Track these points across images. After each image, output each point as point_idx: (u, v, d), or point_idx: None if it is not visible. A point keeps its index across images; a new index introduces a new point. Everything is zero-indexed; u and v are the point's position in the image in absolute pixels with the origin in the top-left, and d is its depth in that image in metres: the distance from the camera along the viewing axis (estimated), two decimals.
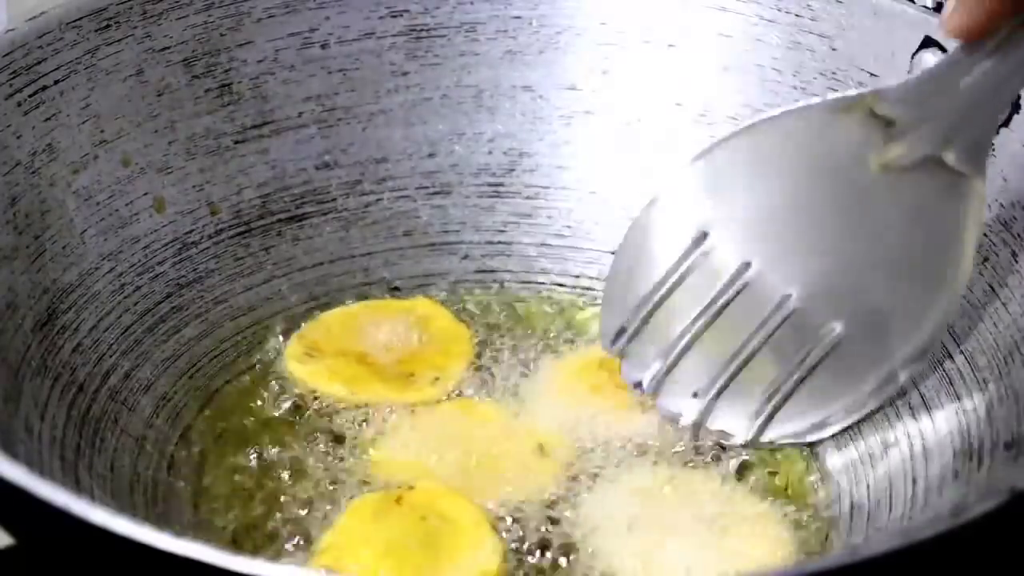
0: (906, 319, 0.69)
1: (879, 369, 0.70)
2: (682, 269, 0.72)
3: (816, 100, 0.69)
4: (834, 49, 0.77)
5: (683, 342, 0.72)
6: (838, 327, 0.70)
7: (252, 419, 0.72)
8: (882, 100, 0.67)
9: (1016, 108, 0.70)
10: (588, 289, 0.80)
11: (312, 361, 0.74)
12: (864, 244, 0.69)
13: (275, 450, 0.70)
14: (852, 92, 0.68)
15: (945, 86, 0.65)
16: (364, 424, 0.71)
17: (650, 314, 0.72)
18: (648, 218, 0.73)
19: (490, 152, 0.81)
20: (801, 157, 0.69)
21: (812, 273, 0.70)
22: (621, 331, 0.73)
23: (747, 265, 0.71)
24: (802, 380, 0.71)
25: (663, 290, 0.72)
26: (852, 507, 0.68)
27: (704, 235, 0.72)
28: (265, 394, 0.73)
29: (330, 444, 0.70)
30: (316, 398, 0.73)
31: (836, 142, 0.68)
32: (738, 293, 0.71)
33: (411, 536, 0.65)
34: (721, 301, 0.72)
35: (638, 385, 0.73)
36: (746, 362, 0.71)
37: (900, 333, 0.69)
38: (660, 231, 0.72)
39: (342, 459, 0.70)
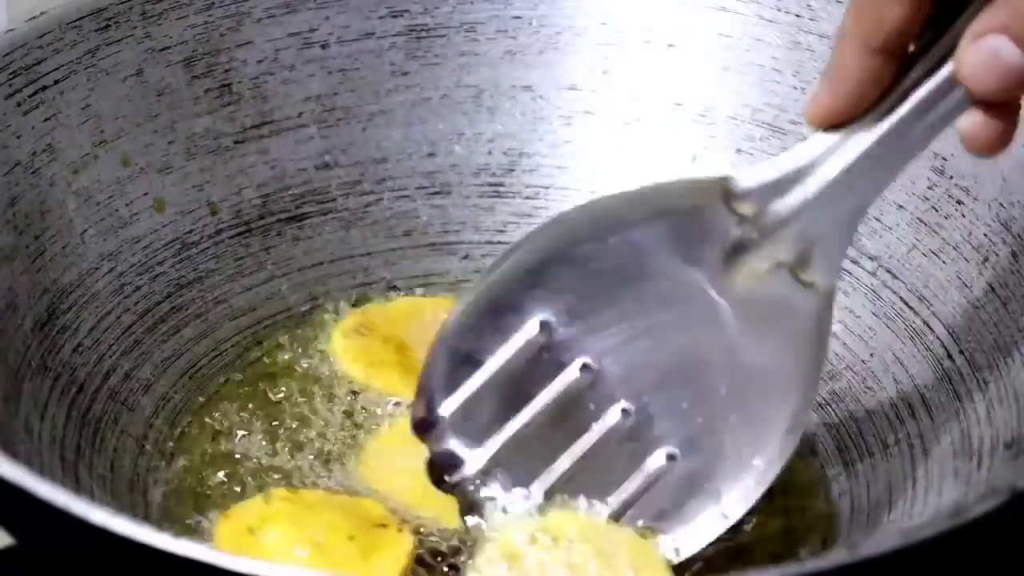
0: (740, 450, 0.64)
1: (706, 502, 0.65)
2: (511, 361, 0.65)
3: (671, 181, 0.67)
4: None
5: (502, 442, 0.65)
6: (672, 451, 0.65)
7: (252, 419, 0.72)
8: (735, 195, 0.63)
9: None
10: None
11: (356, 337, 0.74)
12: (707, 360, 0.64)
13: (275, 450, 0.70)
14: (706, 178, 0.64)
15: (798, 186, 0.62)
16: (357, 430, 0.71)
17: (472, 405, 0.65)
18: (479, 299, 0.66)
19: (490, 152, 0.81)
20: (650, 252, 0.64)
21: (650, 386, 0.65)
22: (433, 419, 0.65)
23: (583, 366, 0.65)
24: (629, 505, 0.65)
25: (486, 379, 0.65)
26: (852, 507, 0.68)
27: (541, 324, 0.65)
28: (266, 395, 0.73)
29: (328, 449, 0.70)
30: (317, 399, 0.73)
31: (689, 236, 0.64)
32: (569, 398, 0.65)
33: (331, 533, 0.64)
34: (550, 404, 0.65)
35: (439, 483, 0.65)
36: (569, 477, 0.65)
37: (731, 465, 0.64)
38: (491, 314, 0.65)
39: (339, 460, 0.70)
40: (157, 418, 0.71)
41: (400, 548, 0.65)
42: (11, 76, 0.71)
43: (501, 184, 0.81)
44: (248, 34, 0.78)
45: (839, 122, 0.61)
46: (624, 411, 0.65)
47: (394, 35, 0.81)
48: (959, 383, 0.68)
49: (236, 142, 0.78)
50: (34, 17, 0.72)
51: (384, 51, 0.81)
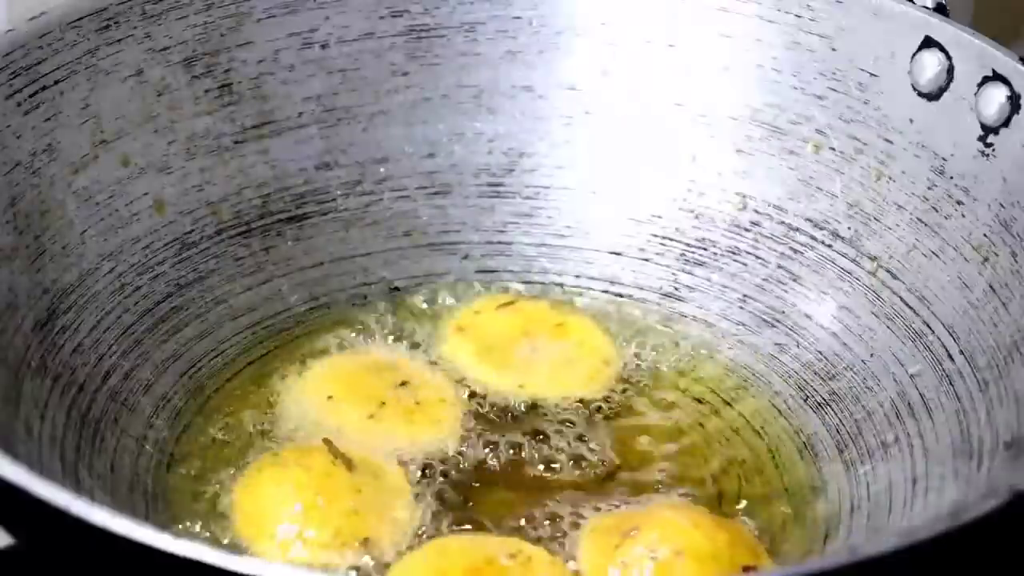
0: None
1: None
2: None
3: None
4: (834, 49, 0.77)
5: None
6: None
7: (252, 419, 0.72)
8: None
9: (1016, 108, 0.70)
10: (588, 289, 0.80)
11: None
12: None
13: (274, 450, 0.70)
14: None
15: None
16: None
17: None
18: None
19: (490, 152, 0.81)
20: None
21: None
22: None
23: None
24: None
25: None
26: (852, 507, 0.68)
27: None
28: (266, 395, 0.73)
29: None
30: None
31: None
32: None
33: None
34: None
35: None
36: None
37: None
38: None
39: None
40: (157, 418, 0.71)
41: None
42: (11, 76, 0.71)
43: (501, 184, 0.81)
44: (248, 34, 0.78)
45: None
46: None
47: (394, 35, 0.81)
48: (959, 383, 0.68)
49: (236, 142, 0.78)
50: (34, 17, 0.72)
51: (384, 51, 0.81)
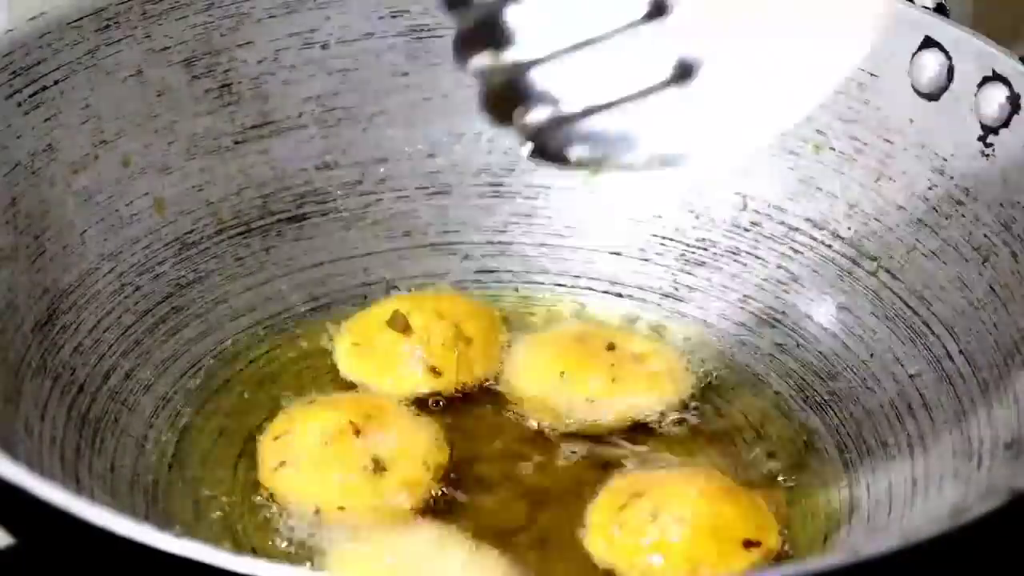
0: None
1: None
2: None
3: None
4: None
5: None
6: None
7: (253, 419, 0.72)
8: None
9: (1016, 108, 0.70)
10: (588, 289, 0.80)
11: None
12: None
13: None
14: None
15: None
16: None
17: None
18: None
19: (490, 152, 0.81)
20: None
21: None
22: None
23: None
24: None
25: None
26: (852, 507, 0.68)
27: None
28: (267, 394, 0.73)
29: None
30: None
31: None
32: None
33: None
34: None
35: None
36: None
37: None
38: None
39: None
40: (157, 418, 0.71)
41: None
42: (11, 76, 0.71)
43: (501, 184, 0.81)
44: (248, 34, 0.78)
45: None
46: None
47: (394, 35, 0.81)
48: (959, 383, 0.69)
49: (236, 142, 0.78)
50: (34, 17, 0.72)
51: (384, 51, 0.81)
